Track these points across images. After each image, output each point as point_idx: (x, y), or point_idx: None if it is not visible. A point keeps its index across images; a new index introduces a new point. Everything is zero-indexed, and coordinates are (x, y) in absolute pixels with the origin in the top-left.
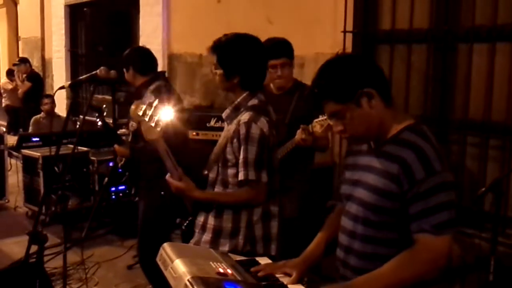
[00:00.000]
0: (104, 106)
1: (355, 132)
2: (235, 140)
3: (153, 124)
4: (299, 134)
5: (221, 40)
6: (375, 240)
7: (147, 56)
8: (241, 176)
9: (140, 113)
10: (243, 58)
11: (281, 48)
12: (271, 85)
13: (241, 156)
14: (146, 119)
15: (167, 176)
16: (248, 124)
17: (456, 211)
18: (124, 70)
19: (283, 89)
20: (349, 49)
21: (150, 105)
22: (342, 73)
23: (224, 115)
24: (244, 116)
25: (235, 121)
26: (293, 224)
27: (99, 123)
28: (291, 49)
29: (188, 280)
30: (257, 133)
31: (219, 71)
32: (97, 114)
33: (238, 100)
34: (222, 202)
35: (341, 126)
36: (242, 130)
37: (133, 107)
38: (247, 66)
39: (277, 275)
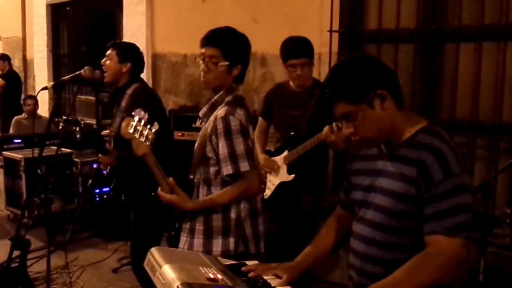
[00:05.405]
0: (80, 118)
1: (366, 134)
2: (213, 137)
3: (143, 139)
4: (326, 130)
5: (220, 32)
6: (394, 246)
7: (143, 59)
8: (228, 170)
9: (131, 130)
10: (245, 47)
11: (301, 48)
12: (291, 82)
13: (225, 151)
14: (137, 135)
15: (158, 191)
16: (225, 118)
17: (472, 214)
18: (116, 59)
19: (303, 87)
20: (335, 49)
21: (140, 120)
22: (355, 73)
23: (201, 113)
24: (220, 112)
25: (211, 118)
26: (310, 220)
27: (78, 135)
28: (312, 49)
29: (177, 287)
30: (237, 124)
31: (222, 64)
32: (74, 127)
33: (215, 97)
34: (219, 205)
35: (352, 128)
36: (220, 125)
37: (123, 124)
38: (247, 55)
39: (267, 277)
